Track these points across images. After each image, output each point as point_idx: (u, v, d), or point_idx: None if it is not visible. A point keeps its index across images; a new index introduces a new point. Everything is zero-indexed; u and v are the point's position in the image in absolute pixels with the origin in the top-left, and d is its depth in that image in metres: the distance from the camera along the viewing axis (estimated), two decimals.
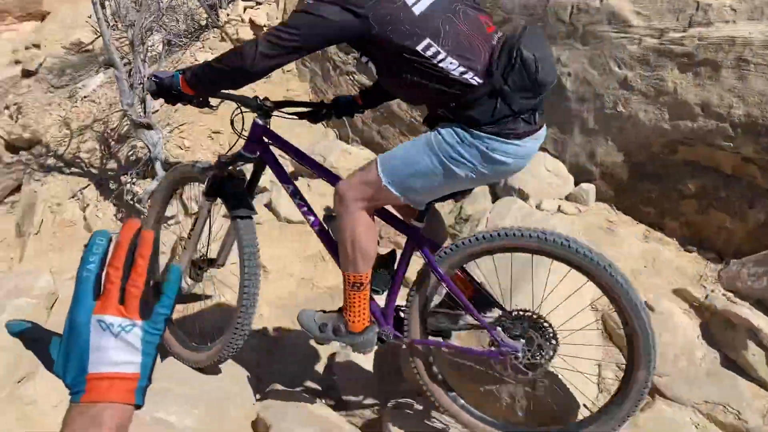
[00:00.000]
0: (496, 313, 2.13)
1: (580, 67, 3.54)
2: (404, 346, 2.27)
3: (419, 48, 1.76)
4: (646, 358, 1.97)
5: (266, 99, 2.29)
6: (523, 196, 3.47)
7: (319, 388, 3.01)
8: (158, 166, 4.83)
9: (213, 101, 2.24)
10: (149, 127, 4.77)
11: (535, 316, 2.07)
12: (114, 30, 5.65)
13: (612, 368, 2.55)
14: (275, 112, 2.29)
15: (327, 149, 4.69)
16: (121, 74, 4.61)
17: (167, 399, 2.26)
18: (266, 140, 2.29)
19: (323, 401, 2.69)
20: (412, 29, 1.76)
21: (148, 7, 5.11)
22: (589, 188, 3.49)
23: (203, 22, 6.25)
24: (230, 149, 2.40)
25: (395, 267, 2.22)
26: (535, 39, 1.79)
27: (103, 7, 4.56)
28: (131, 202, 4.94)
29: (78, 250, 4.97)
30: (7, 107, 6.81)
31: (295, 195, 2.30)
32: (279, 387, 2.83)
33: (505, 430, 2.24)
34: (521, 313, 2.08)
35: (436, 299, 2.25)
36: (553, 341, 2.05)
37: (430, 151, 1.85)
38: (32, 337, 0.68)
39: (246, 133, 2.28)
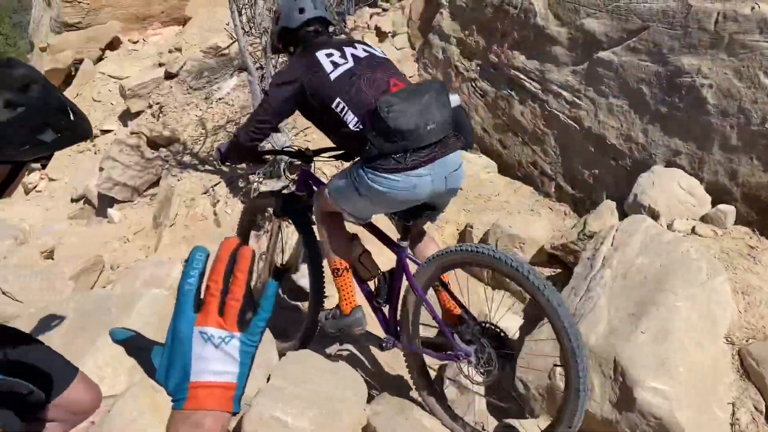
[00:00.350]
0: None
1: (724, 78, 3.29)
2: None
3: (333, 105, 2.35)
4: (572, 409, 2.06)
5: (307, 149, 2.95)
6: (654, 215, 3.27)
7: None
8: (283, 166, 5.03)
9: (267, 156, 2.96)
10: (276, 129, 4.97)
11: (487, 325, 2.36)
12: (248, 36, 5.95)
13: (748, 409, 2.35)
14: (316, 158, 2.92)
15: None
16: (253, 79, 4.84)
17: (283, 398, 2.34)
18: (310, 182, 2.92)
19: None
20: (329, 91, 2.35)
21: None
22: (728, 210, 3.24)
23: (331, 29, 6.43)
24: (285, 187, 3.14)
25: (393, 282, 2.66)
26: (410, 93, 2.24)
27: (240, 14, 4.81)
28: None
29: (208, 243, 5.27)
30: (150, 106, 7.36)
31: None
32: (390, 394, 2.85)
33: None
34: (478, 322, 2.39)
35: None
36: (507, 349, 2.31)
37: (348, 178, 2.40)
38: (136, 345, 0.73)
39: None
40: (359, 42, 2.57)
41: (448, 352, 2.45)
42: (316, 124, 2.60)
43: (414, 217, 2.46)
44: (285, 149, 2.94)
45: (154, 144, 6.79)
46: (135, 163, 6.64)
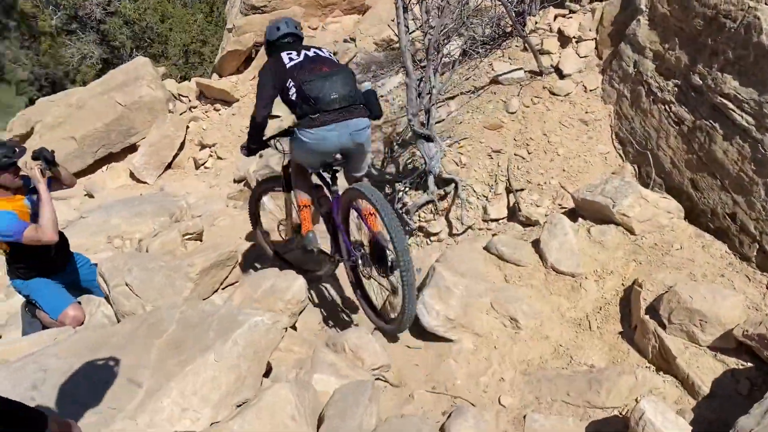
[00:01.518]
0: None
1: None
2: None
3: (287, 84, 3.46)
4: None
5: (290, 126, 3.70)
6: None
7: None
8: (431, 180, 4.60)
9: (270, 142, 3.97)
10: (429, 139, 4.54)
11: (371, 240, 3.54)
12: (422, 29, 5.54)
13: None
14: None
15: (618, 191, 3.90)
16: (411, 82, 4.44)
17: None
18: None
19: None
20: (285, 75, 3.47)
21: (452, 11, 4.85)
22: None
23: (509, 29, 5.83)
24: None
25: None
26: (325, 74, 3.38)
27: (405, 10, 4.41)
28: (399, 211, 4.80)
29: None
30: None
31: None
32: None
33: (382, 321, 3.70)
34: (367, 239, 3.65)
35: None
36: (376, 259, 3.49)
37: (292, 143, 3.59)
38: None
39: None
40: (314, 47, 3.67)
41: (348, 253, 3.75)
42: (282, 100, 3.58)
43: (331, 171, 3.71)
44: (279, 133, 3.85)
45: None
46: None
